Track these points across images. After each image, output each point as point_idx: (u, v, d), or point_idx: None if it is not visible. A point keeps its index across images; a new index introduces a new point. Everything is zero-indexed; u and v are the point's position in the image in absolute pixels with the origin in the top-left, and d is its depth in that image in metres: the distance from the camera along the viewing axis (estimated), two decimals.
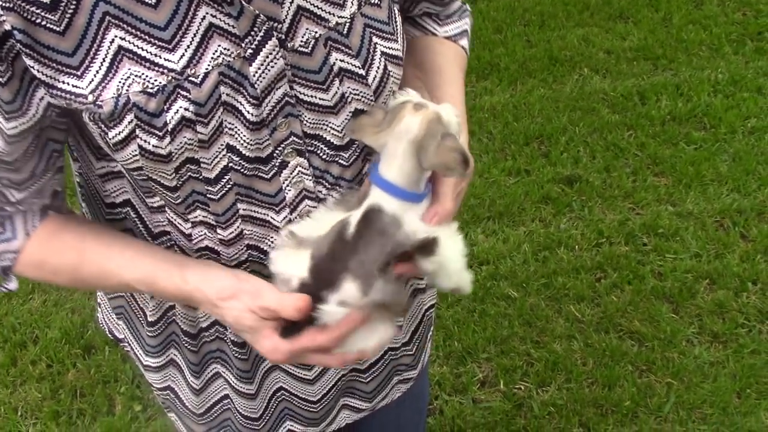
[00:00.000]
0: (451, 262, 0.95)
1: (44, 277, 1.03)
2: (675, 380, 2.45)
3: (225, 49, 0.86)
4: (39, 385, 2.59)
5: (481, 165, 3.43)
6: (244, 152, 0.92)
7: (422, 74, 1.12)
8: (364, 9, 0.95)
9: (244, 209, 0.96)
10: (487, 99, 3.83)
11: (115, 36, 0.83)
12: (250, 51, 0.87)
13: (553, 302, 2.76)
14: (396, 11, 1.01)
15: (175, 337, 1.17)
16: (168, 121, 0.86)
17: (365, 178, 1.00)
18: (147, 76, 0.84)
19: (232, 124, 0.90)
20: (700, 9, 4.50)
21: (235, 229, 0.98)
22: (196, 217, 0.96)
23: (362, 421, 1.36)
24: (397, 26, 1.01)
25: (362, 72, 0.95)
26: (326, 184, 1.00)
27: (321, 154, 0.97)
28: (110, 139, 0.87)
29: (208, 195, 0.94)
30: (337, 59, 0.93)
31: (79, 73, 0.84)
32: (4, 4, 0.79)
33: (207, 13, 0.85)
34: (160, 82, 0.84)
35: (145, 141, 0.86)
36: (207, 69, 0.86)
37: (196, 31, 0.85)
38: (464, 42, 1.22)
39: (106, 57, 0.84)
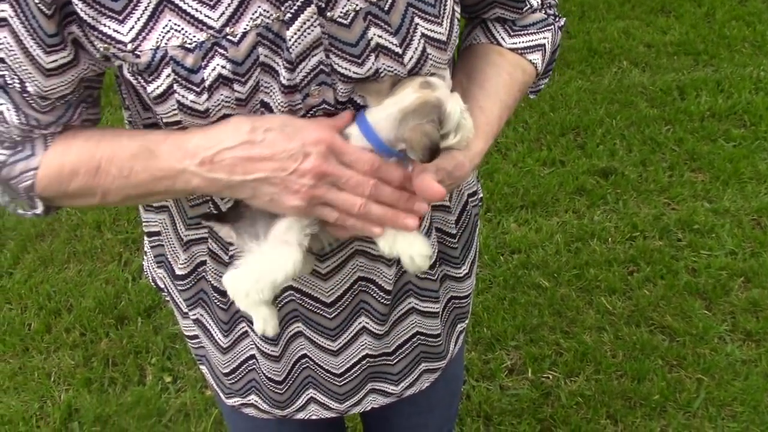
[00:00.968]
0: None
1: (63, 186, 0.98)
2: (706, 377, 2.43)
3: (264, 10, 0.87)
4: (72, 352, 2.64)
5: (515, 154, 3.42)
6: (276, 113, 0.93)
7: (467, 82, 1.11)
8: None
9: None
10: None
11: None
12: (289, 15, 0.88)
13: (584, 293, 2.74)
14: None
15: (204, 294, 1.18)
16: (205, 78, 0.87)
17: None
18: (186, 31, 0.86)
19: (269, 84, 0.91)
20: (744, 5, 4.43)
21: None
22: None
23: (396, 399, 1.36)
24: (444, 10, 0.99)
25: (399, 50, 0.94)
26: None
27: None
28: (150, 93, 0.89)
29: None
30: (375, 34, 0.93)
31: (120, 18, 0.85)
32: None
33: None
34: (199, 39, 0.86)
35: (183, 96, 0.88)
36: (245, 29, 0.87)
37: None
38: (534, 56, 1.17)
39: (148, 5, 0.85)
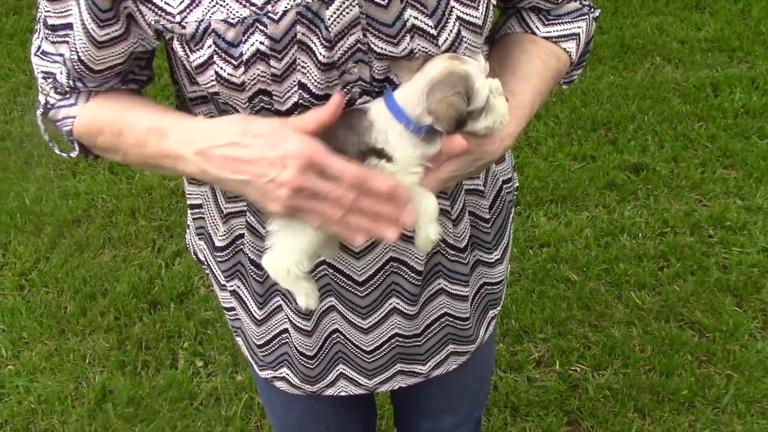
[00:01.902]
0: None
1: (93, 139, 1.07)
2: (735, 373, 2.42)
3: None
4: (107, 335, 2.69)
5: (546, 149, 3.41)
6: (313, 90, 0.96)
7: (499, 69, 1.13)
8: None
9: None
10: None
11: None
12: None
13: (614, 288, 2.74)
14: None
15: (242, 267, 1.21)
16: (243, 52, 0.92)
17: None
18: (231, 6, 0.91)
19: (305, 63, 0.94)
20: None
21: None
22: None
23: (425, 382, 1.38)
24: None
25: (434, 32, 0.97)
26: None
27: None
28: (192, 62, 0.95)
29: None
30: (411, 16, 0.95)
31: None
32: None
33: None
34: (242, 14, 0.91)
35: (221, 68, 0.93)
36: (286, 7, 0.91)
37: None
38: (569, 45, 1.18)
39: None
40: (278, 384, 1.34)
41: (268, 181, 0.90)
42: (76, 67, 1.02)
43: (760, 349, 2.48)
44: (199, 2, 0.91)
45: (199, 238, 1.28)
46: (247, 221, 1.15)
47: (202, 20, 0.92)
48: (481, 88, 0.95)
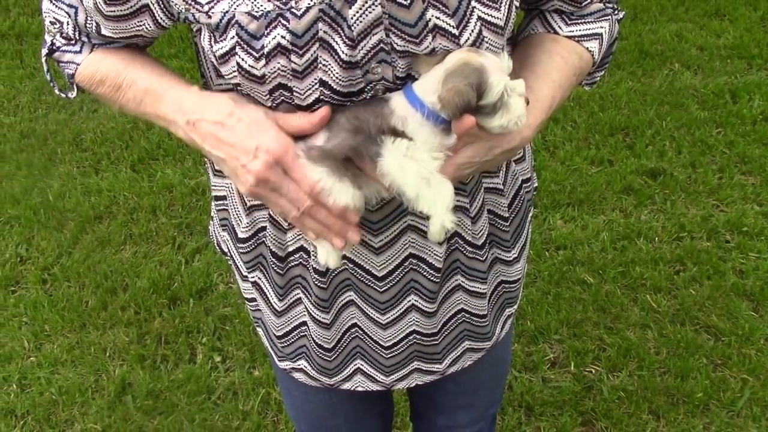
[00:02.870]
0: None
1: (93, 87, 1.16)
2: (751, 377, 2.42)
3: None
4: (127, 329, 2.73)
5: (563, 152, 3.43)
6: (336, 88, 0.99)
7: (519, 68, 1.14)
8: None
9: None
10: None
11: None
12: None
13: (629, 291, 2.75)
14: None
15: (263, 258, 1.24)
16: (265, 45, 0.96)
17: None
18: (256, 0, 0.95)
19: (327, 62, 0.97)
20: None
21: None
22: None
23: (441, 378, 1.39)
24: None
25: (455, 32, 0.99)
26: None
27: None
28: (215, 51, 1.00)
29: None
30: (433, 16, 0.98)
31: None
32: None
33: None
34: (265, 8, 0.95)
35: (243, 59, 0.98)
36: (309, 4, 0.94)
37: None
38: (591, 44, 1.19)
39: None
40: (296, 375, 1.37)
41: (240, 165, 1.00)
42: (87, 23, 1.09)
43: None
44: None
45: (223, 230, 1.31)
46: (269, 214, 1.17)
47: (227, 11, 0.96)
48: (496, 83, 0.96)
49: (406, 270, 1.19)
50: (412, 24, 0.98)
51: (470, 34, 1.00)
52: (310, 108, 1.01)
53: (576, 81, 1.20)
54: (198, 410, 2.44)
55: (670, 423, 2.31)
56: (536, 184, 1.40)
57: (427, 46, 0.99)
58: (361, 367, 1.32)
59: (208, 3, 0.97)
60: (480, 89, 0.95)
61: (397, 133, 0.98)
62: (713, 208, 3.10)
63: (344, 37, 0.96)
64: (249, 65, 0.97)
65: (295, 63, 0.96)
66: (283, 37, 0.95)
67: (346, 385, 1.35)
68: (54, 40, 1.16)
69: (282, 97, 1.00)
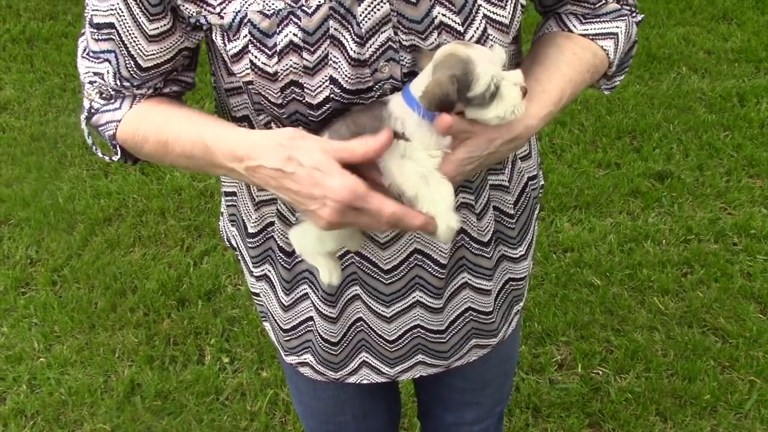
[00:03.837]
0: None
1: (138, 146, 1.12)
2: (758, 379, 2.42)
3: None
4: (136, 330, 2.75)
5: (570, 155, 3.44)
6: (345, 85, 1.00)
7: (530, 63, 1.14)
8: None
9: None
10: None
11: None
12: None
13: (637, 293, 2.75)
14: None
15: (272, 253, 1.26)
16: (277, 43, 0.97)
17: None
18: None
19: (337, 58, 0.99)
20: None
21: None
22: None
23: (447, 372, 1.40)
24: None
25: (460, 29, 1.00)
26: None
27: None
28: (228, 51, 1.01)
29: (309, 118, 1.03)
30: (439, 13, 0.99)
31: None
32: None
33: None
34: (277, 7, 0.96)
35: (256, 57, 0.99)
36: (320, 2, 0.96)
37: None
38: (606, 43, 1.19)
39: None
40: (302, 370, 1.38)
41: (309, 209, 0.96)
42: (127, 63, 1.06)
43: None
44: None
45: (232, 225, 1.33)
46: (278, 209, 1.19)
47: (239, 11, 0.97)
48: (483, 73, 0.94)
49: (411, 265, 1.21)
50: (418, 21, 0.99)
51: (475, 32, 1.01)
52: (320, 107, 1.02)
53: (590, 78, 1.19)
54: (206, 411, 2.45)
55: (678, 425, 2.31)
56: (543, 182, 1.41)
57: (433, 42, 1.00)
58: (367, 359, 1.33)
59: (219, 4, 0.99)
60: (467, 80, 0.94)
61: (397, 135, 0.98)
62: (721, 210, 3.10)
63: (353, 34, 0.97)
64: (262, 63, 0.99)
65: (306, 60, 0.98)
66: (294, 34, 0.96)
67: (352, 379, 1.36)
68: (92, 103, 1.13)
69: (293, 95, 1.01)
